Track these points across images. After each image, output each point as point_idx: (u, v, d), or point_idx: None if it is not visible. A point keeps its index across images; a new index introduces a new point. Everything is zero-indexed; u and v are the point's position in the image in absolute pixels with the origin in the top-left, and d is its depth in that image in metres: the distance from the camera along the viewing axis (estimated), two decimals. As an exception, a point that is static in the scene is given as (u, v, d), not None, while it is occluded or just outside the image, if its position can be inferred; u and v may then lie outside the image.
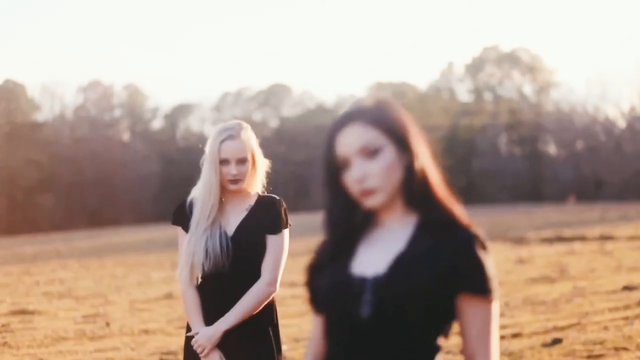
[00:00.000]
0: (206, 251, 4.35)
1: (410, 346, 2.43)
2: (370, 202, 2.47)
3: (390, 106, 2.54)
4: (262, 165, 4.52)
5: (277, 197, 4.52)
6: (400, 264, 2.43)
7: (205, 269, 4.36)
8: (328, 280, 2.52)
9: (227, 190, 4.42)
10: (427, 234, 2.48)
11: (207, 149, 4.44)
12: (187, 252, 4.39)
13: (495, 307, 2.49)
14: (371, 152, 2.46)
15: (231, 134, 4.41)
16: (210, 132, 4.52)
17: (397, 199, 2.52)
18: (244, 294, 4.37)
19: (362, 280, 2.45)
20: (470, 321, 2.46)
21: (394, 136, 2.48)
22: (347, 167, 2.48)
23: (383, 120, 2.49)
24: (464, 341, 2.49)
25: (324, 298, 2.53)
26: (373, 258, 2.49)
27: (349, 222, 2.54)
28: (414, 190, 2.50)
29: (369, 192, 2.46)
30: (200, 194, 4.41)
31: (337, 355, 2.50)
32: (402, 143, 2.49)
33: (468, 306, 2.45)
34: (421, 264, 2.42)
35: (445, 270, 2.41)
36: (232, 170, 4.37)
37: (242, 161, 4.39)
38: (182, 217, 4.50)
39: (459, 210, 2.52)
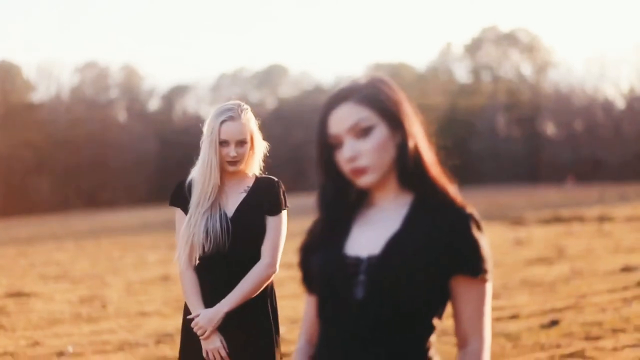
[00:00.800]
0: (206, 232, 4.31)
1: (404, 327, 2.42)
2: (362, 181, 2.46)
3: (384, 84, 2.51)
4: (261, 147, 4.50)
5: (276, 179, 4.50)
6: (395, 244, 2.42)
7: (205, 249, 4.32)
8: (322, 260, 2.51)
9: (225, 171, 4.38)
10: (422, 214, 2.47)
11: (206, 129, 4.41)
12: (187, 232, 4.34)
13: (490, 287, 2.48)
14: (362, 131, 2.44)
15: (232, 115, 4.37)
16: (209, 112, 4.48)
17: (390, 178, 2.50)
18: (243, 274, 4.34)
19: (357, 261, 2.44)
20: (465, 302, 2.45)
21: (386, 115, 2.46)
22: (339, 146, 2.47)
23: (375, 98, 2.47)
24: (458, 322, 2.48)
25: (317, 279, 2.52)
26: (368, 238, 2.48)
27: (343, 202, 2.53)
28: (407, 170, 2.48)
29: (360, 171, 2.45)
30: (200, 174, 4.37)
31: (331, 336, 2.48)
32: (394, 122, 2.47)
33: (463, 287, 2.45)
34: (417, 245, 2.41)
35: (440, 250, 2.40)
36: (231, 151, 4.34)
37: (241, 143, 4.36)
38: (180, 198, 4.45)
39: (453, 190, 2.50)
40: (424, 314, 2.44)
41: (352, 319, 2.43)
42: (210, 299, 4.36)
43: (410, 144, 2.47)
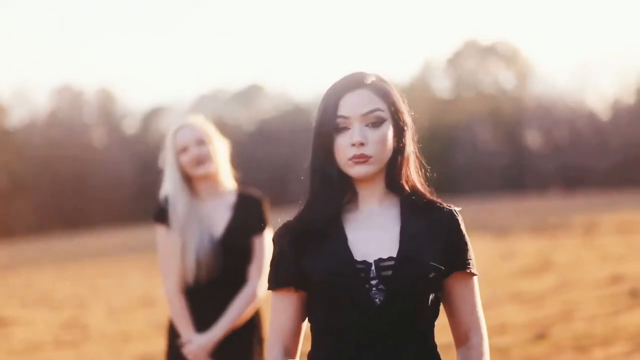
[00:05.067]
0: (197, 257, 4.18)
1: (420, 327, 2.46)
2: (361, 170, 2.46)
3: (394, 87, 2.57)
4: (224, 146, 4.41)
5: (260, 194, 4.43)
6: (405, 246, 2.44)
7: (196, 276, 4.21)
8: (331, 268, 2.45)
9: (198, 179, 4.26)
10: (414, 215, 2.50)
11: (166, 148, 4.35)
12: (174, 256, 4.21)
13: (477, 281, 2.58)
14: (376, 121, 2.47)
15: (184, 123, 4.35)
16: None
17: (379, 177, 2.52)
18: (232, 298, 4.25)
19: (365, 265, 2.43)
20: (462, 298, 2.53)
21: (394, 116, 2.51)
22: (344, 130, 2.46)
23: (389, 97, 2.51)
24: (456, 319, 2.55)
25: (326, 286, 2.46)
26: (369, 242, 2.47)
27: (341, 197, 2.51)
28: (398, 173, 2.51)
29: (364, 158, 2.45)
30: (170, 193, 4.24)
31: (345, 344, 2.44)
32: (398, 125, 2.51)
33: (459, 284, 2.52)
34: (423, 242, 2.46)
35: (441, 249, 2.47)
36: (192, 151, 4.24)
37: (200, 142, 4.28)
38: (165, 215, 4.30)
39: (434, 195, 2.57)
40: (434, 313, 2.51)
41: (371, 324, 2.42)
42: (202, 323, 4.28)
43: (407, 151, 2.53)
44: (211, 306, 4.26)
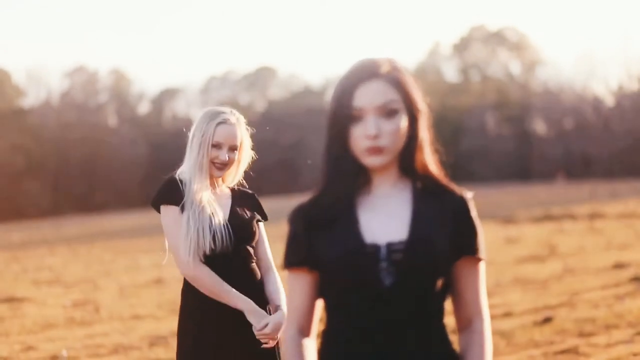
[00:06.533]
0: (213, 232, 4.26)
1: (430, 310, 2.49)
2: (374, 161, 2.48)
3: (408, 75, 2.56)
4: (247, 158, 4.48)
5: (252, 192, 4.55)
6: (416, 230, 2.47)
7: (213, 249, 4.25)
8: (342, 250, 2.49)
9: (210, 175, 4.36)
10: (427, 199, 2.53)
11: (197, 130, 4.36)
12: (190, 231, 4.24)
13: (484, 266, 2.59)
14: (390, 112, 2.48)
15: (228, 119, 4.36)
16: (199, 113, 4.44)
17: (393, 164, 2.54)
18: (244, 274, 4.32)
19: (375, 248, 2.46)
20: (467, 283, 2.54)
21: (408, 105, 2.51)
22: (358, 121, 2.48)
23: (403, 86, 2.51)
24: (460, 303, 2.57)
25: (337, 268, 2.49)
26: (381, 225, 2.50)
27: (355, 182, 2.53)
28: (411, 159, 2.53)
29: (378, 150, 2.47)
30: (193, 174, 4.32)
31: (358, 325, 2.48)
32: (413, 114, 2.52)
33: (466, 268, 2.54)
34: (434, 226, 2.48)
35: (451, 233, 2.49)
36: (222, 154, 4.32)
37: (233, 148, 4.35)
38: (177, 195, 4.33)
39: (447, 179, 2.59)
40: (443, 295, 2.52)
41: (382, 307, 2.45)
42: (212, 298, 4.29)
43: (421, 137, 2.54)
44: (227, 281, 4.27)
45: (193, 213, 4.26)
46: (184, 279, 4.36)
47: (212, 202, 4.33)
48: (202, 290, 4.28)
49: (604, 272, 13.03)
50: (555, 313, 9.93)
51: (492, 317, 9.76)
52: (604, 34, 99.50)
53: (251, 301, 4.26)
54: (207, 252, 4.25)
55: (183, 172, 4.39)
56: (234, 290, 4.25)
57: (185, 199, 4.30)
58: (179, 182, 4.35)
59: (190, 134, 4.41)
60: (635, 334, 8.58)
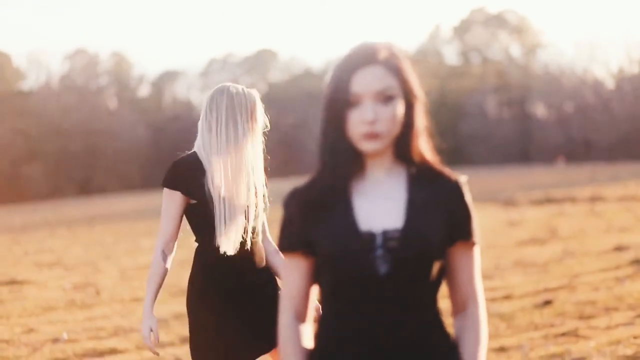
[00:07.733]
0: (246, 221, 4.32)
1: (426, 297, 2.51)
2: (370, 146, 2.48)
3: (405, 60, 2.57)
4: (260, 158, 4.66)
5: None
6: (412, 216, 2.48)
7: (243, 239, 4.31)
8: (336, 237, 2.49)
9: None
10: (421, 185, 2.54)
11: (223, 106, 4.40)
12: (231, 221, 4.28)
13: (479, 250, 2.60)
14: (387, 98, 2.48)
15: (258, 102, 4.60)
16: (200, 97, 4.46)
17: (388, 150, 2.55)
18: (256, 262, 4.39)
19: (371, 235, 2.47)
20: (462, 267, 2.56)
21: (405, 92, 2.51)
22: (354, 106, 2.48)
23: (400, 72, 2.52)
24: (454, 287, 2.58)
25: (332, 256, 2.50)
26: (376, 211, 2.51)
27: (350, 167, 2.53)
28: (407, 146, 2.54)
29: (374, 136, 2.47)
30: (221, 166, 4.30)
31: (355, 312, 2.49)
32: (409, 100, 2.52)
33: (461, 253, 2.55)
34: (429, 213, 2.50)
35: (446, 218, 2.51)
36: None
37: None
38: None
39: (441, 165, 2.60)
40: (439, 281, 2.53)
41: (377, 294, 2.46)
42: (233, 286, 4.38)
43: (417, 123, 2.54)
44: (244, 270, 4.35)
45: (230, 203, 4.30)
46: (194, 254, 4.47)
47: None
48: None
49: (604, 255, 13.04)
50: (555, 296, 9.94)
51: (493, 300, 9.79)
52: (604, 17, 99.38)
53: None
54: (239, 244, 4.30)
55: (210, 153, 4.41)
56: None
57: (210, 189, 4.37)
58: (191, 166, 4.37)
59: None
60: (635, 317, 8.58)
